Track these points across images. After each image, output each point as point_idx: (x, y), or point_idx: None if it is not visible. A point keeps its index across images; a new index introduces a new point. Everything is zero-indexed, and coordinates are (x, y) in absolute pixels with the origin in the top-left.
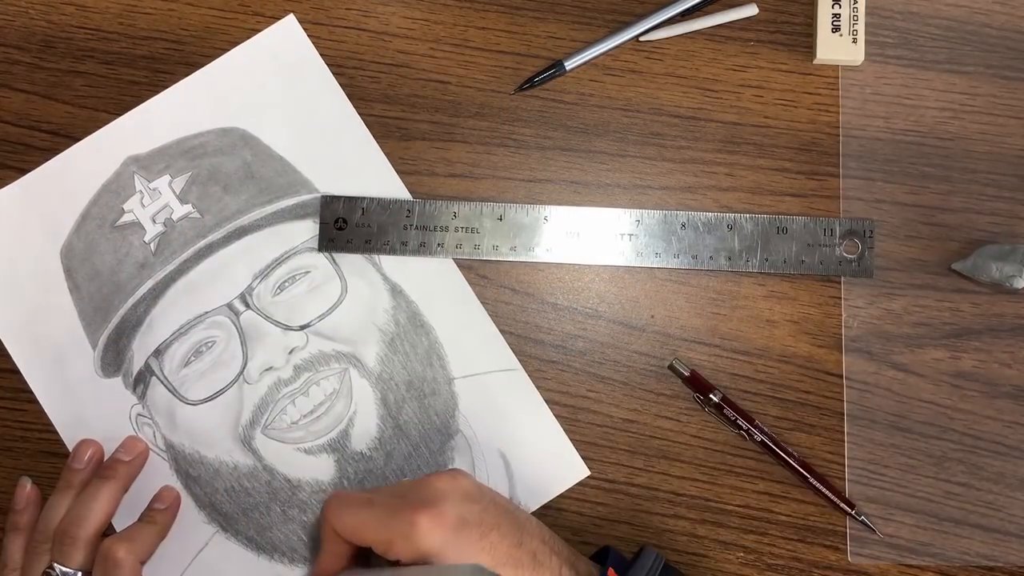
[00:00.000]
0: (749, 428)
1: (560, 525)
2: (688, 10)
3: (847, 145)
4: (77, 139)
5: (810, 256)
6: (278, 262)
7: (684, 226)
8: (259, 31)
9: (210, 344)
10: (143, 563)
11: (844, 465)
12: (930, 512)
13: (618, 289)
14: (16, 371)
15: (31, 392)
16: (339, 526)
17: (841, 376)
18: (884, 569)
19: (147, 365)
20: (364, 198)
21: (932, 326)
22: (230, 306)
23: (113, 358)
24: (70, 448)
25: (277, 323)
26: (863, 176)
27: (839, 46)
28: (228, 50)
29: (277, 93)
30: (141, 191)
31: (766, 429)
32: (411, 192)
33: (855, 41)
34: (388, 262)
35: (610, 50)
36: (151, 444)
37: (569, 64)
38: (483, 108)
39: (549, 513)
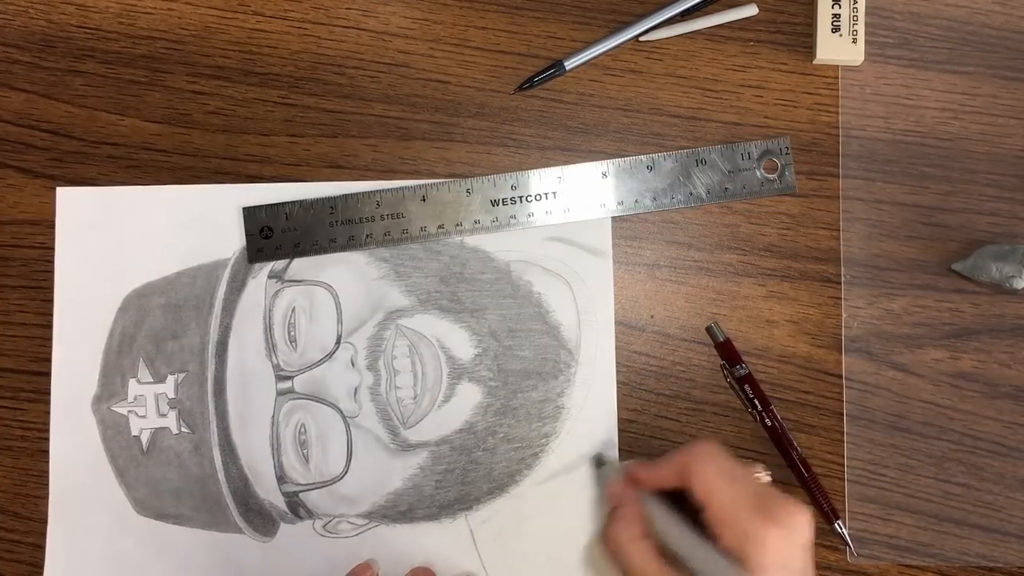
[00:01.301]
0: (763, 411)
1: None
2: (688, 10)
3: (847, 145)
4: (77, 139)
5: (732, 183)
6: (268, 329)
7: (605, 175)
8: (261, 30)
9: (303, 429)
10: None
11: (843, 465)
12: (930, 512)
13: (618, 289)
14: (14, 371)
15: (31, 392)
16: (698, 477)
17: (841, 376)
18: (884, 569)
19: (285, 495)
20: (286, 203)
21: (932, 326)
22: (280, 392)
23: (261, 521)
24: None
25: (320, 361)
26: (863, 176)
27: (839, 46)
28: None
29: (117, 242)
30: (130, 411)
31: (779, 418)
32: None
33: (855, 41)
34: None
35: (610, 50)
36: (356, 531)
37: (569, 64)
38: (483, 108)
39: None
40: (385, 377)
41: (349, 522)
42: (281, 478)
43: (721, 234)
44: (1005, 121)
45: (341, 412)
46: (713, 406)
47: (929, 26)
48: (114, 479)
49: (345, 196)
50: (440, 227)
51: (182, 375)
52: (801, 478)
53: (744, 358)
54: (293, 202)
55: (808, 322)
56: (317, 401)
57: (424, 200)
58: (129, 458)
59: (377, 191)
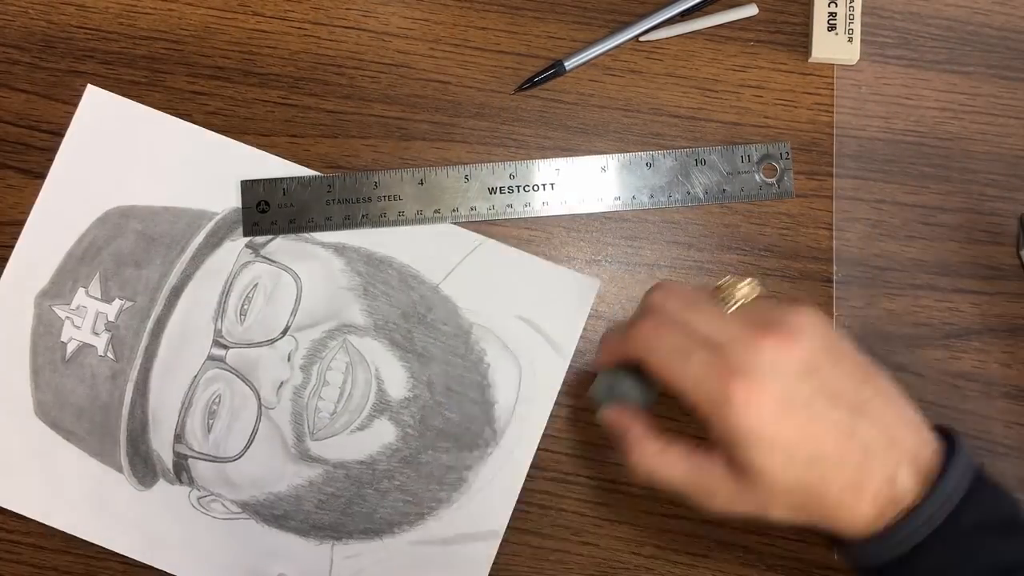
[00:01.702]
0: None
1: (560, 524)
2: (688, 10)
3: (845, 145)
4: None
5: (731, 185)
6: (225, 294)
7: (604, 169)
8: (261, 30)
9: (217, 400)
10: None
11: None
12: None
13: (618, 289)
14: None
15: None
16: (645, 353)
17: None
18: None
19: (176, 454)
20: (284, 179)
21: (932, 326)
22: (211, 357)
23: (143, 468)
24: (163, 567)
25: (260, 344)
26: (863, 176)
27: (835, 45)
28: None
29: (122, 156)
30: (67, 317)
31: None
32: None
33: (851, 40)
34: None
35: (610, 50)
36: (227, 515)
37: (569, 64)
38: (483, 108)
39: (549, 514)
40: (314, 383)
41: (224, 505)
42: (179, 437)
43: (721, 234)
44: (1005, 121)
45: (259, 399)
46: None
47: (929, 26)
48: (27, 374)
49: (343, 175)
50: (436, 212)
51: (129, 304)
52: None
53: None
54: (291, 178)
55: None
56: (241, 379)
57: (422, 184)
58: (48, 360)
59: (375, 172)
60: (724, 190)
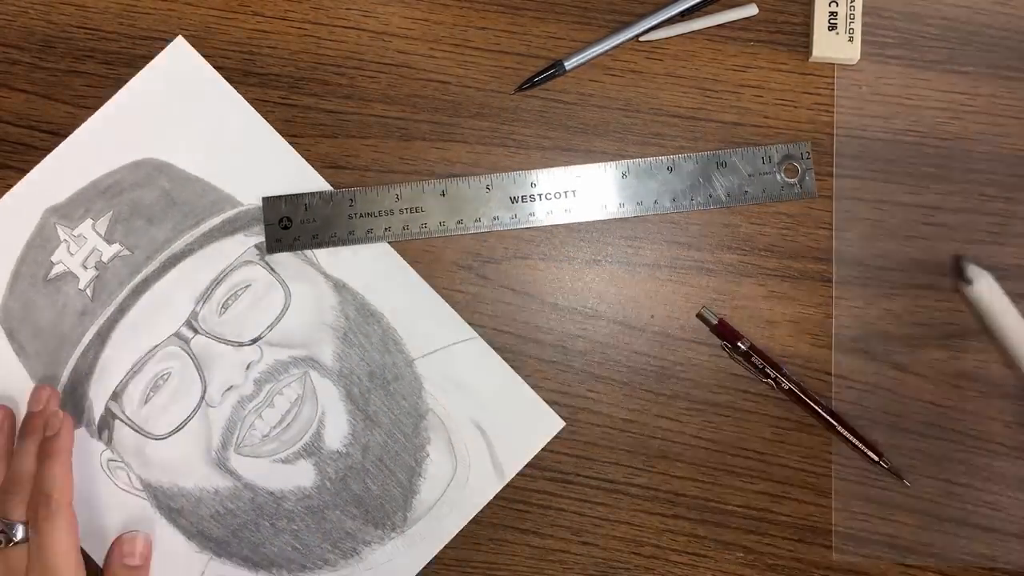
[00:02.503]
0: (777, 377)
1: (560, 524)
2: (688, 10)
3: (845, 144)
4: None
5: (753, 186)
6: (217, 282)
7: (625, 175)
8: (261, 30)
9: (166, 376)
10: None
11: (844, 465)
12: (930, 512)
13: (618, 289)
14: None
15: None
16: None
17: (841, 376)
18: (884, 569)
19: (107, 410)
20: (305, 194)
21: (932, 326)
22: (178, 335)
23: (72, 410)
24: None
25: (228, 342)
26: (863, 176)
27: (835, 44)
28: (130, 78)
29: (180, 116)
30: (66, 240)
31: (795, 378)
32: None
33: (851, 39)
34: (326, 259)
35: (610, 50)
36: (127, 487)
37: (569, 64)
38: (483, 108)
39: (549, 514)
40: (259, 400)
41: (129, 476)
42: (116, 395)
43: (721, 234)
44: (1005, 121)
45: (204, 392)
46: (713, 406)
47: (929, 26)
48: (7, 278)
49: (364, 189)
50: (459, 222)
51: (126, 252)
52: (834, 429)
53: (744, 358)
54: (313, 193)
55: (808, 322)
56: (196, 367)
57: (444, 195)
58: (31, 272)
59: (397, 185)
60: (746, 192)
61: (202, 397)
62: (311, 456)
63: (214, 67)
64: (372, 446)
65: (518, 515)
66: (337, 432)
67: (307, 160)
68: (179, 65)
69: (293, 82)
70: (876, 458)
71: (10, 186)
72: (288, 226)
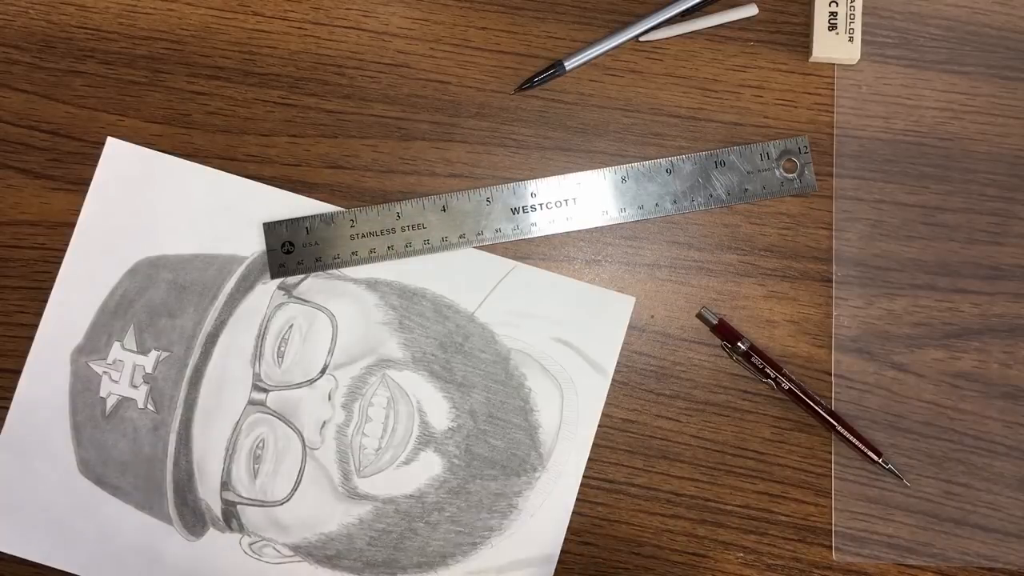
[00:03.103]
0: (777, 377)
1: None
2: (688, 10)
3: (844, 144)
4: (77, 139)
5: (752, 183)
6: (261, 338)
7: (625, 179)
8: (261, 30)
9: (261, 443)
10: None
11: (844, 465)
12: (930, 512)
13: (618, 289)
14: (15, 371)
15: None
16: None
17: (841, 376)
18: (884, 569)
19: (224, 501)
20: (306, 217)
21: (932, 326)
22: (252, 402)
23: (193, 518)
24: None
25: (300, 385)
26: (863, 176)
27: (835, 44)
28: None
29: (148, 207)
30: (105, 372)
31: (795, 378)
32: (342, 194)
33: (851, 40)
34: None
35: (610, 50)
36: (279, 559)
37: (569, 64)
38: (483, 108)
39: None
40: (356, 420)
41: (275, 549)
42: (225, 484)
43: (721, 234)
44: (1005, 121)
45: (303, 440)
46: (713, 406)
47: (929, 26)
48: (69, 432)
49: (365, 208)
50: (461, 236)
51: (165, 354)
52: (834, 429)
53: (744, 358)
54: (313, 216)
55: (808, 322)
56: (284, 421)
57: (444, 210)
58: (89, 416)
59: (397, 203)
60: (746, 189)
61: (303, 445)
62: (428, 445)
63: (214, 67)
64: (477, 408)
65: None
66: (440, 412)
67: (307, 160)
68: (121, 162)
69: (293, 82)
70: (876, 458)
71: (11, 186)
72: (291, 250)
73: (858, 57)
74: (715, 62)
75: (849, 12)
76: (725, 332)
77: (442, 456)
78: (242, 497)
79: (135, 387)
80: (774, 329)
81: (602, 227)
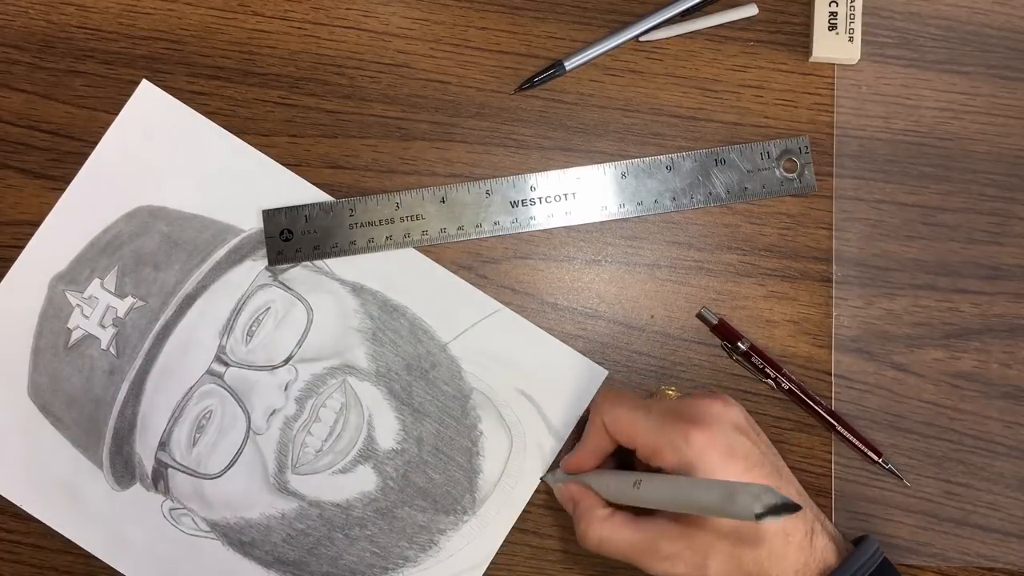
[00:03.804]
0: (777, 377)
1: (560, 524)
2: (688, 10)
3: (845, 144)
4: (77, 139)
5: (752, 182)
6: (236, 312)
7: (625, 175)
8: (261, 30)
9: (208, 415)
10: None
11: (844, 465)
12: (930, 512)
13: (618, 289)
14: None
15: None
16: (611, 421)
17: (841, 376)
18: None
19: (158, 460)
20: (305, 205)
21: (932, 326)
22: (210, 372)
23: (123, 469)
24: (123, 570)
25: (261, 367)
26: (863, 176)
27: (835, 44)
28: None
29: (163, 157)
30: (78, 305)
31: (794, 378)
32: (341, 194)
33: (851, 40)
34: (338, 265)
35: (610, 50)
36: (194, 531)
37: (569, 64)
38: (483, 108)
39: (549, 514)
40: (305, 417)
41: (194, 520)
42: (163, 444)
43: (721, 234)
44: (1005, 121)
45: (249, 422)
46: None
47: (929, 26)
48: (28, 353)
49: (364, 198)
50: (460, 228)
51: (140, 303)
52: (833, 429)
53: (744, 358)
54: (313, 204)
55: (808, 322)
56: (235, 399)
57: (443, 202)
58: (51, 343)
59: (396, 193)
60: (746, 188)
61: (248, 427)
62: (368, 460)
63: (214, 67)
64: (425, 437)
65: (519, 515)
66: (388, 431)
67: (307, 160)
68: (150, 108)
69: (293, 82)
70: (876, 458)
71: (11, 186)
72: (289, 238)
73: (858, 57)
74: (715, 62)
75: (849, 12)
76: (725, 332)
77: (379, 475)
78: (176, 462)
79: (103, 327)
80: (774, 329)
81: (602, 228)
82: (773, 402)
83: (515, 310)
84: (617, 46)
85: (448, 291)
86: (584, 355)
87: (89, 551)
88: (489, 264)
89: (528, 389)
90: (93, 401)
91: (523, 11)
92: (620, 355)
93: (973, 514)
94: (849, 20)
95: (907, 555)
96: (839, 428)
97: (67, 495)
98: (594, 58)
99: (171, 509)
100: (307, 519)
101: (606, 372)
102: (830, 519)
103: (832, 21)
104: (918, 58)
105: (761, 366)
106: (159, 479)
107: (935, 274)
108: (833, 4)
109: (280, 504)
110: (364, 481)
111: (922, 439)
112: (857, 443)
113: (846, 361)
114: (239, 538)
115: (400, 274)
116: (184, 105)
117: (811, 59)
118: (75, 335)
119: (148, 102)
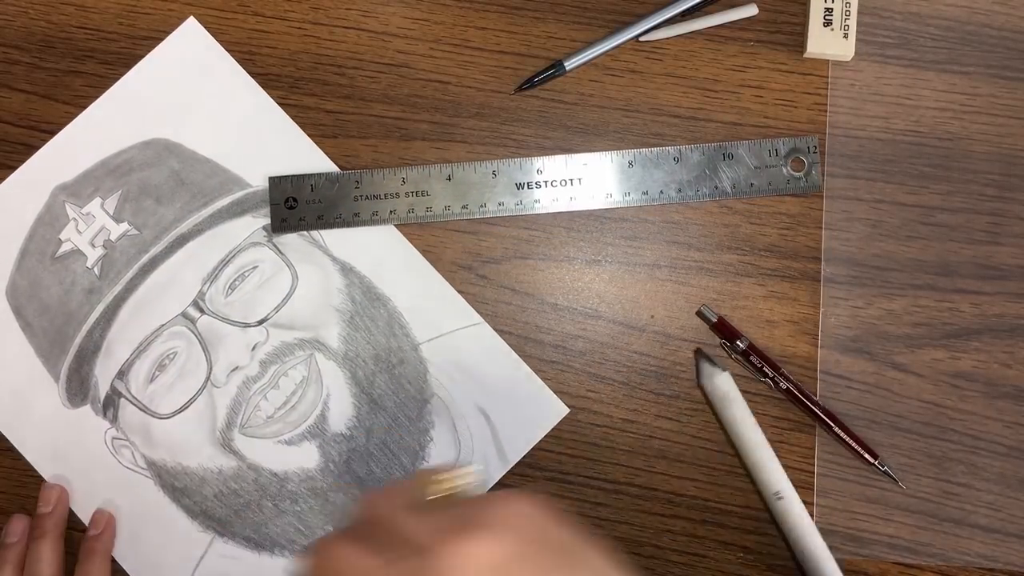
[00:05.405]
0: (775, 376)
1: None
2: (688, 10)
3: (844, 144)
4: None
5: (759, 179)
6: (224, 263)
7: (632, 164)
8: (260, 30)
9: (172, 356)
10: None
11: (844, 465)
12: (930, 512)
13: (618, 289)
14: None
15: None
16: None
17: (841, 376)
18: (884, 569)
19: (113, 388)
20: (311, 174)
21: (932, 326)
22: (184, 314)
23: (78, 387)
24: (50, 480)
25: (235, 323)
26: (862, 176)
27: (830, 40)
28: (141, 59)
29: (192, 96)
30: (75, 218)
31: (792, 378)
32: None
33: (846, 36)
34: (333, 242)
35: (610, 50)
36: (131, 465)
37: (569, 64)
38: (483, 108)
39: None
40: (264, 381)
41: (133, 455)
42: (121, 374)
43: (721, 234)
44: (1005, 121)
45: (210, 373)
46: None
47: (928, 26)
48: (15, 255)
49: (371, 171)
50: (464, 207)
51: (134, 232)
52: (830, 430)
53: (744, 358)
54: (319, 174)
55: (808, 322)
56: (202, 347)
57: (450, 179)
58: (39, 249)
59: (402, 168)
60: (752, 184)
61: (208, 377)
62: (315, 438)
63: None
64: (376, 429)
65: None
66: (341, 415)
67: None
68: (191, 45)
69: (293, 82)
70: (872, 460)
71: None
72: (294, 206)
73: (852, 54)
74: (715, 62)
75: (844, 9)
76: (724, 330)
77: (322, 455)
78: (130, 394)
79: (93, 246)
80: (774, 329)
81: (602, 228)
82: (773, 402)
83: (515, 310)
84: (617, 46)
85: (435, 293)
86: (584, 355)
87: (25, 457)
88: (489, 264)
89: (487, 407)
90: (66, 315)
91: (523, 11)
92: (620, 355)
93: (973, 514)
94: (844, 17)
95: (907, 555)
96: (835, 428)
97: (18, 402)
98: (594, 58)
99: (114, 438)
100: (242, 480)
101: (567, 410)
102: (830, 519)
103: (827, 17)
104: (918, 58)
105: (759, 365)
106: (110, 406)
107: (935, 274)
108: (828, 0)
109: (220, 459)
110: (306, 457)
111: (922, 439)
112: (853, 444)
113: (846, 361)
114: (172, 482)
115: (392, 265)
116: (224, 50)
117: (805, 55)
118: (64, 247)
119: (190, 39)
